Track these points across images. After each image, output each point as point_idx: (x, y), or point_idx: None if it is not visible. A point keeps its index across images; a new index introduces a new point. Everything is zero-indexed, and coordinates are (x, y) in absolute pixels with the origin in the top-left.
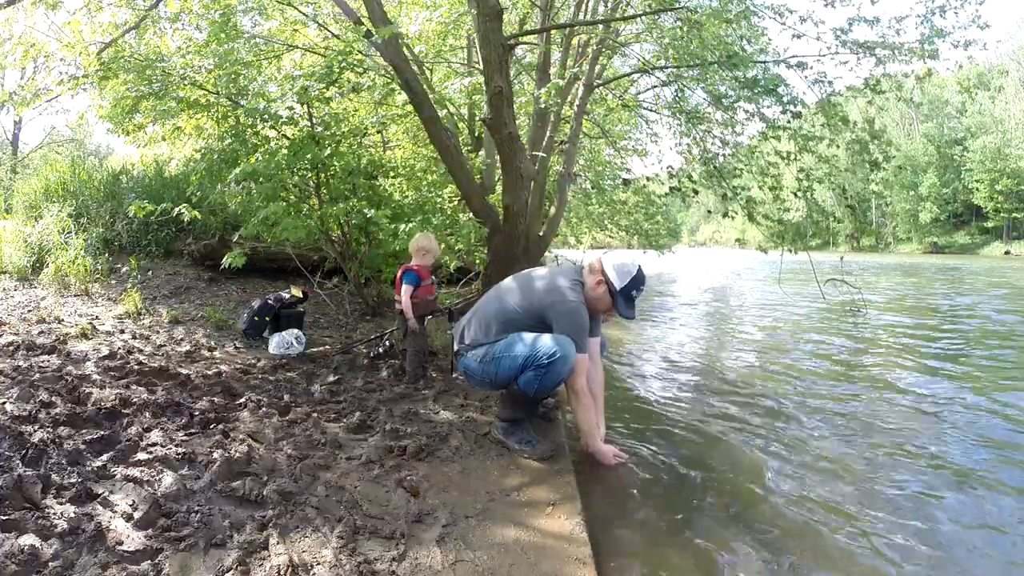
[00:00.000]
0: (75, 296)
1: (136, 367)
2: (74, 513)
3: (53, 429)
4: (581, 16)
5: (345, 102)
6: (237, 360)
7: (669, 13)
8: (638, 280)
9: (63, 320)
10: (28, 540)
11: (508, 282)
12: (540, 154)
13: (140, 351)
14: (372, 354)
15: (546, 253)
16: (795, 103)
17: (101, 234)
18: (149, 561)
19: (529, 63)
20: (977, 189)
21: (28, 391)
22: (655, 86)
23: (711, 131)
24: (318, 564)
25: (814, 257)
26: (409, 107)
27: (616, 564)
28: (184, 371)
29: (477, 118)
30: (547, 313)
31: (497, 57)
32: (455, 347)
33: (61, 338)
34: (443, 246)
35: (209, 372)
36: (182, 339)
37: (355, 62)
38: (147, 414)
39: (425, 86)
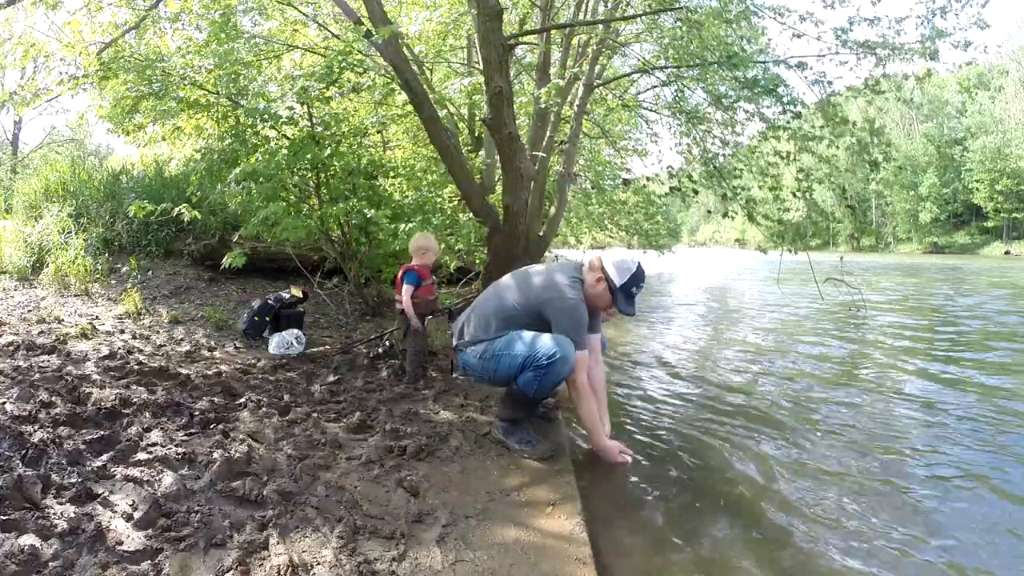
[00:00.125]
0: (75, 296)
1: (136, 367)
2: (74, 513)
3: (53, 429)
4: (581, 16)
5: (345, 102)
6: (237, 360)
7: (669, 13)
8: (638, 277)
9: (63, 320)
10: (28, 540)
11: (507, 279)
12: (540, 154)
13: (140, 351)
14: (372, 354)
15: (546, 253)
16: (795, 103)
17: (101, 234)
18: (149, 561)
19: (529, 63)
20: (977, 189)
21: (28, 391)
22: (655, 86)
23: (711, 131)
24: (318, 564)
25: (814, 257)
26: (409, 107)
27: (616, 564)
28: (184, 371)
29: (477, 118)
30: (545, 310)
31: (497, 57)
32: (454, 343)
33: (61, 338)
34: (443, 246)
35: (209, 372)
36: (182, 339)
37: (355, 62)
38: (147, 414)
39: (425, 86)
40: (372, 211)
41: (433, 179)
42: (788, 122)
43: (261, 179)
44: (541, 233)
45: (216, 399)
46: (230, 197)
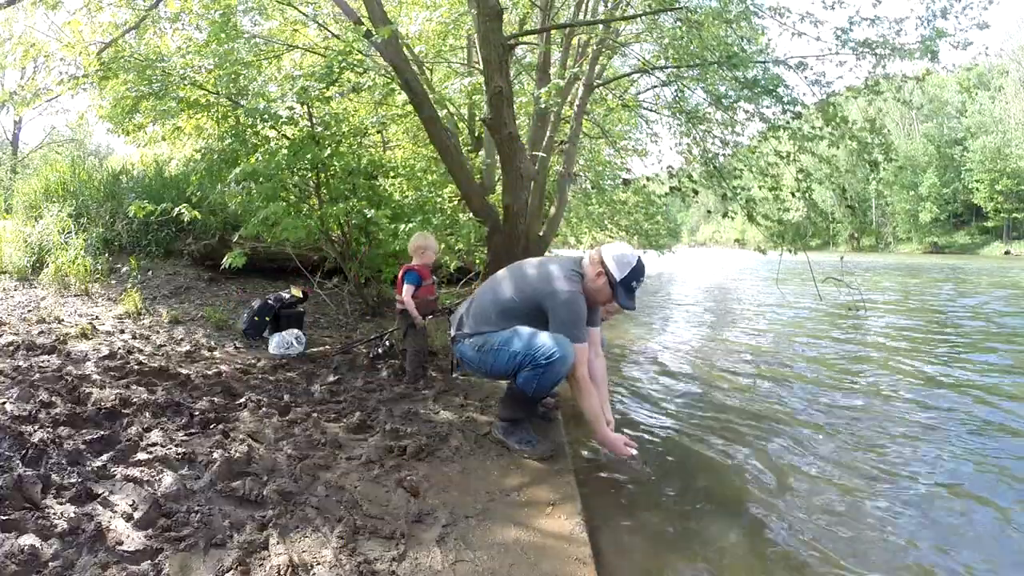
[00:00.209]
0: (75, 296)
1: (136, 367)
2: (74, 513)
3: (53, 429)
4: (581, 16)
5: (345, 102)
6: (237, 360)
7: (669, 13)
8: (638, 271)
9: (63, 320)
10: (28, 540)
11: (506, 271)
12: (540, 154)
13: (140, 351)
14: (372, 354)
15: (546, 253)
16: (795, 103)
17: (101, 234)
18: (149, 561)
19: (529, 63)
20: (977, 189)
21: (28, 391)
22: (655, 86)
23: (711, 131)
24: (318, 564)
25: (815, 257)
26: (409, 107)
27: (616, 564)
28: (184, 371)
29: (477, 118)
30: (544, 302)
31: (497, 57)
32: (451, 333)
33: (61, 338)
34: (443, 246)
35: (209, 372)
36: (182, 339)
37: (355, 62)
38: (147, 414)
39: (425, 86)
40: (372, 211)
41: (433, 179)
42: (788, 122)
43: (261, 179)
44: (541, 233)
45: (216, 399)
46: (230, 197)
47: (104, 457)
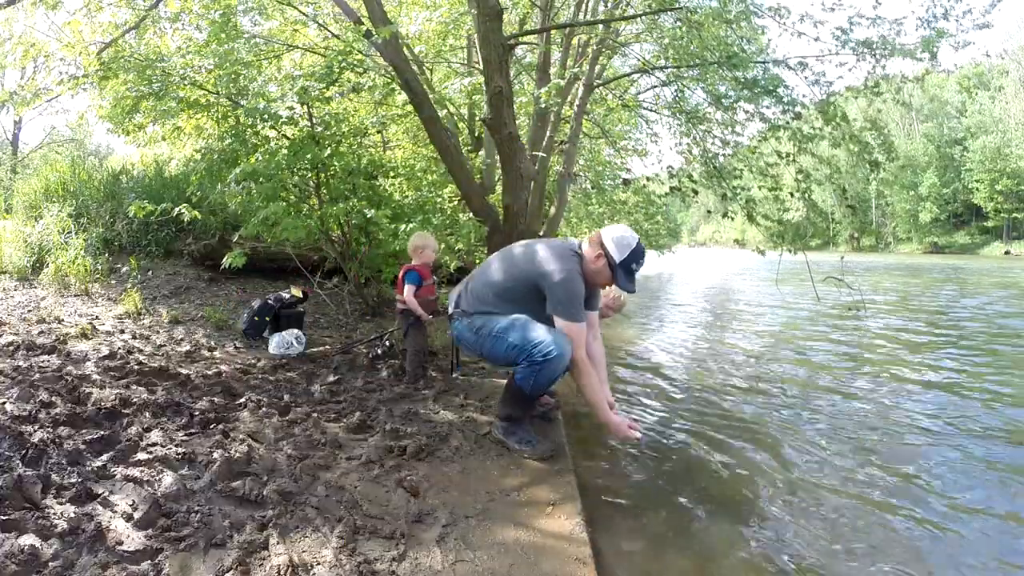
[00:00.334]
0: (75, 296)
1: (136, 367)
2: (74, 513)
3: (53, 429)
4: (581, 16)
5: (345, 102)
6: (237, 360)
7: (669, 13)
8: (638, 253)
9: (63, 320)
10: (28, 540)
11: (505, 251)
12: (540, 154)
13: (140, 351)
14: (372, 354)
15: None
16: (794, 104)
17: (101, 234)
18: (149, 561)
19: (529, 63)
20: (977, 189)
21: (28, 391)
22: (655, 86)
23: (711, 131)
24: (318, 564)
25: (815, 258)
26: (409, 107)
27: (616, 564)
28: (184, 371)
29: (477, 118)
30: (541, 282)
31: (497, 57)
32: (449, 310)
33: (61, 338)
34: (443, 246)
35: (209, 372)
36: (182, 339)
37: (355, 62)
38: (147, 414)
39: (425, 86)
40: (372, 211)
41: (433, 179)
42: (788, 122)
43: (261, 179)
44: (541, 233)
45: (216, 399)
46: (230, 197)
47: (104, 457)
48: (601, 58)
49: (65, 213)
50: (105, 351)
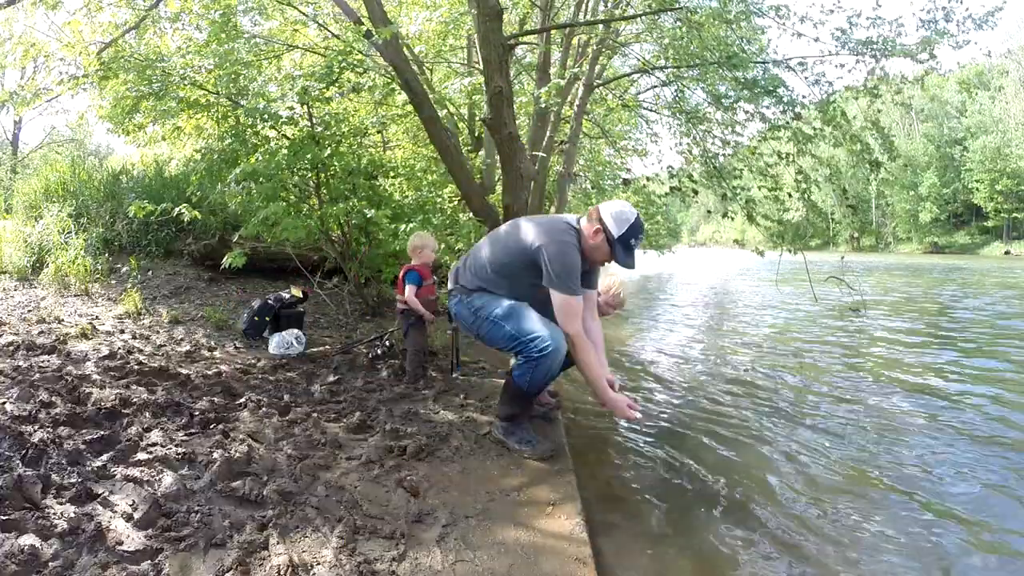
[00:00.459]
0: (75, 296)
1: (136, 367)
2: (74, 513)
3: (53, 429)
4: (581, 16)
5: (345, 102)
6: (237, 360)
7: (669, 13)
8: (636, 227)
9: (63, 320)
10: (28, 540)
11: (504, 227)
12: (540, 154)
13: (140, 351)
14: (372, 354)
15: None
16: (794, 104)
17: (101, 234)
18: (149, 561)
19: (529, 63)
20: (977, 189)
21: (28, 391)
22: (655, 86)
23: (711, 131)
24: (318, 564)
25: (815, 258)
26: (409, 107)
27: (616, 564)
28: (184, 371)
29: (477, 118)
30: (538, 256)
31: (497, 57)
32: (448, 287)
33: (61, 338)
34: (443, 246)
35: (209, 372)
36: (182, 339)
37: (355, 62)
38: (147, 414)
39: (425, 86)
40: (372, 211)
41: (433, 179)
42: (788, 122)
43: (261, 179)
44: None
45: (216, 399)
46: (230, 197)
47: (104, 457)
48: (601, 58)
49: (65, 213)
50: (105, 351)
